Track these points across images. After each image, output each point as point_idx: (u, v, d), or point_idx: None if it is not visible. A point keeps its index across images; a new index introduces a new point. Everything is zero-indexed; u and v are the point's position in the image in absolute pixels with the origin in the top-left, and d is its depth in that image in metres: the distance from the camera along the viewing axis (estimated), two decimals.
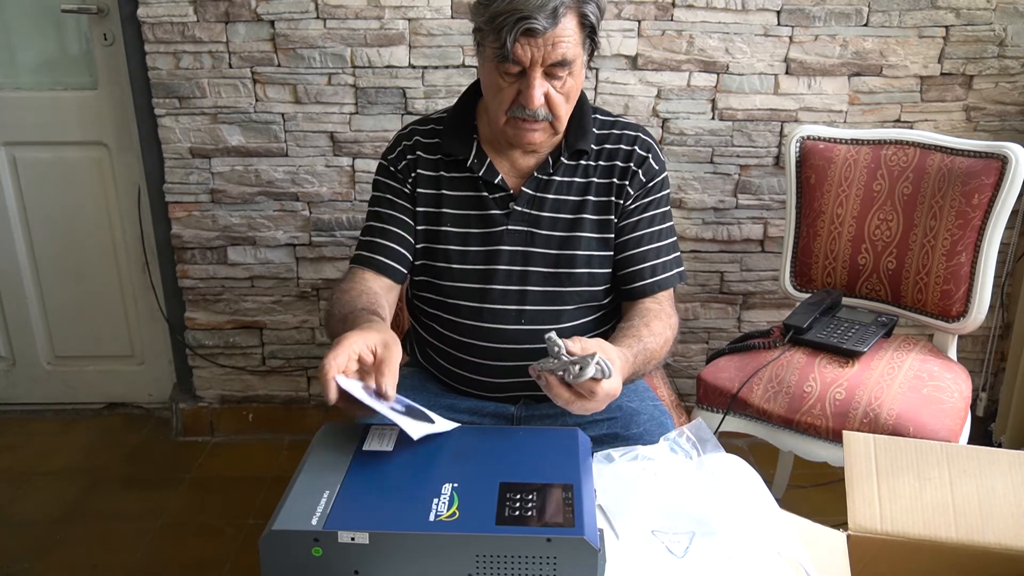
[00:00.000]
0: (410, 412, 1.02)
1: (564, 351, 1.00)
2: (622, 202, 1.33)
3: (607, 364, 1.01)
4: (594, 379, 1.00)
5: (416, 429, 0.96)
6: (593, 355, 1.00)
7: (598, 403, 1.04)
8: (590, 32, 1.21)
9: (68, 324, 2.48)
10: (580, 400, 1.03)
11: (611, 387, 1.03)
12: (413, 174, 1.34)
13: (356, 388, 0.98)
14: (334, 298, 1.31)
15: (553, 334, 1.02)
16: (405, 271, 1.36)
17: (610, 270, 1.35)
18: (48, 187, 2.34)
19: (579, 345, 1.02)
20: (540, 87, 1.19)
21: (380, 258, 1.33)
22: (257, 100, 2.11)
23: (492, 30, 1.16)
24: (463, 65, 2.07)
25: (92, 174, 2.33)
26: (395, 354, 1.02)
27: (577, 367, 0.99)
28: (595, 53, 1.27)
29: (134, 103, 2.16)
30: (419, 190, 1.34)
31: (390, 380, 0.99)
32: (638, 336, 1.24)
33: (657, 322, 1.30)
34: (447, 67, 2.07)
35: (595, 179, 1.33)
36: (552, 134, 1.28)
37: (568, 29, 1.17)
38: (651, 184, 1.35)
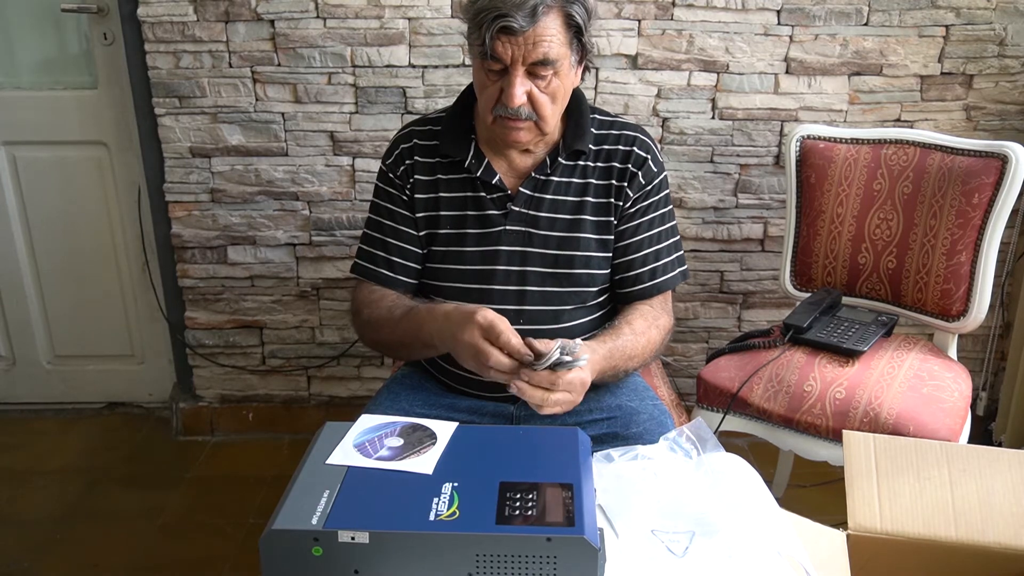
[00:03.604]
0: (409, 440, 1.01)
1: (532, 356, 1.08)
2: (621, 204, 1.33)
3: (572, 346, 1.08)
4: (559, 366, 1.07)
5: (426, 462, 0.96)
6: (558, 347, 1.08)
7: (568, 394, 1.09)
8: (577, 32, 1.21)
9: (68, 324, 2.48)
10: (550, 394, 1.08)
11: (577, 376, 1.09)
12: (411, 180, 1.35)
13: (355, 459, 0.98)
14: (370, 306, 1.34)
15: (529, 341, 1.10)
16: (413, 281, 1.37)
17: (608, 271, 1.36)
18: (48, 187, 2.34)
19: (543, 345, 1.09)
20: (521, 86, 1.19)
21: (386, 272, 1.36)
22: (257, 100, 2.11)
23: (475, 27, 1.17)
24: (463, 65, 2.07)
25: (92, 174, 2.33)
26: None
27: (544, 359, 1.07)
28: (587, 54, 1.26)
29: (134, 103, 2.15)
30: (417, 195, 1.34)
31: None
32: (616, 333, 1.26)
33: (641, 321, 1.31)
34: (447, 66, 2.07)
35: (593, 180, 1.33)
36: (538, 134, 1.27)
37: (550, 28, 1.16)
38: (650, 186, 1.35)
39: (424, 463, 0.94)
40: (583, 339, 1.36)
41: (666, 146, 2.13)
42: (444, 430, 1.01)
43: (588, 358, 1.11)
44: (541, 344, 1.08)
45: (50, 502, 2.13)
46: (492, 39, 1.15)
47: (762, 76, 2.08)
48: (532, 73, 1.20)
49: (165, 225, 2.24)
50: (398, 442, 0.98)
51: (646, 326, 1.31)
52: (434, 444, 0.98)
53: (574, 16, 1.18)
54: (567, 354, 1.07)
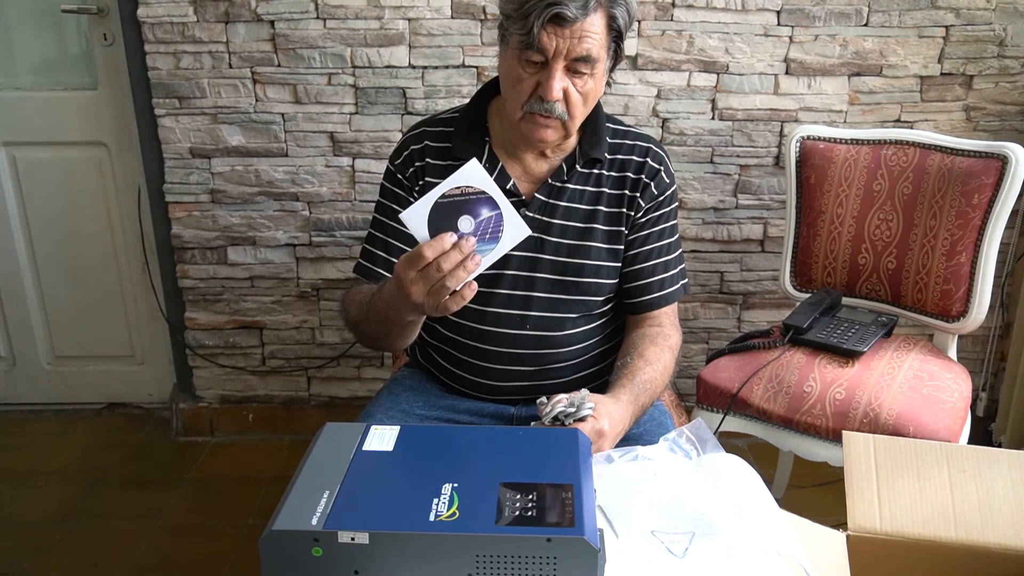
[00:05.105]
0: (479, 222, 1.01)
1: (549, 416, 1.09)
2: (633, 214, 1.32)
3: (578, 397, 1.09)
4: (568, 417, 1.08)
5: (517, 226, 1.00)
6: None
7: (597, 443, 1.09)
8: (616, 37, 1.20)
9: (68, 324, 2.48)
10: None
11: (589, 427, 1.08)
12: (421, 182, 1.33)
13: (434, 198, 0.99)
14: (347, 302, 1.32)
15: (544, 398, 1.11)
16: None
17: (616, 280, 1.35)
18: (48, 187, 2.34)
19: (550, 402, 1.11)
20: (560, 80, 1.18)
21: (385, 273, 1.33)
22: (257, 100, 2.11)
23: (520, 16, 1.14)
24: (463, 65, 2.07)
25: (92, 174, 2.33)
26: None
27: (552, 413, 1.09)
28: (618, 64, 1.25)
29: (134, 103, 2.16)
30: None
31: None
32: (632, 372, 1.25)
33: (652, 348, 1.30)
34: (447, 67, 2.07)
35: (607, 189, 1.32)
36: (564, 135, 1.26)
37: (596, 26, 1.16)
38: (662, 197, 1.34)
39: (516, 227, 1.00)
40: (590, 355, 1.37)
41: (666, 147, 2.12)
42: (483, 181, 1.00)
43: (593, 406, 1.10)
44: (549, 402, 1.10)
45: (50, 502, 2.13)
46: (540, 28, 1.13)
47: (762, 77, 2.08)
48: (571, 70, 1.18)
49: (165, 226, 2.24)
50: (468, 224, 1.00)
51: (658, 351, 1.30)
52: (499, 213, 1.00)
53: (617, 19, 1.18)
54: (572, 406, 1.08)
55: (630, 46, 2.04)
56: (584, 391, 1.12)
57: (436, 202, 0.99)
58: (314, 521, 0.82)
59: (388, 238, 1.34)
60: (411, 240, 1.33)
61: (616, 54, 1.23)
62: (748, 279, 2.26)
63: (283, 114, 2.12)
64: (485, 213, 1.00)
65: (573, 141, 1.32)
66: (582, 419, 1.09)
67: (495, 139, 1.32)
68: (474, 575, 0.80)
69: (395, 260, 1.32)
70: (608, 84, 1.28)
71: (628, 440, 1.26)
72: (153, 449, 2.39)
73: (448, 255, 1.00)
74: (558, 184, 1.31)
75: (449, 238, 1.00)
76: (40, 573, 1.88)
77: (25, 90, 2.27)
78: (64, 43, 2.26)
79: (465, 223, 1.00)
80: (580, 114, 1.23)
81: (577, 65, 1.18)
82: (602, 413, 1.11)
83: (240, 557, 1.92)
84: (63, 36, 2.25)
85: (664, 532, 0.92)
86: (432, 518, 0.82)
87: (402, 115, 2.11)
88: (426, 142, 1.34)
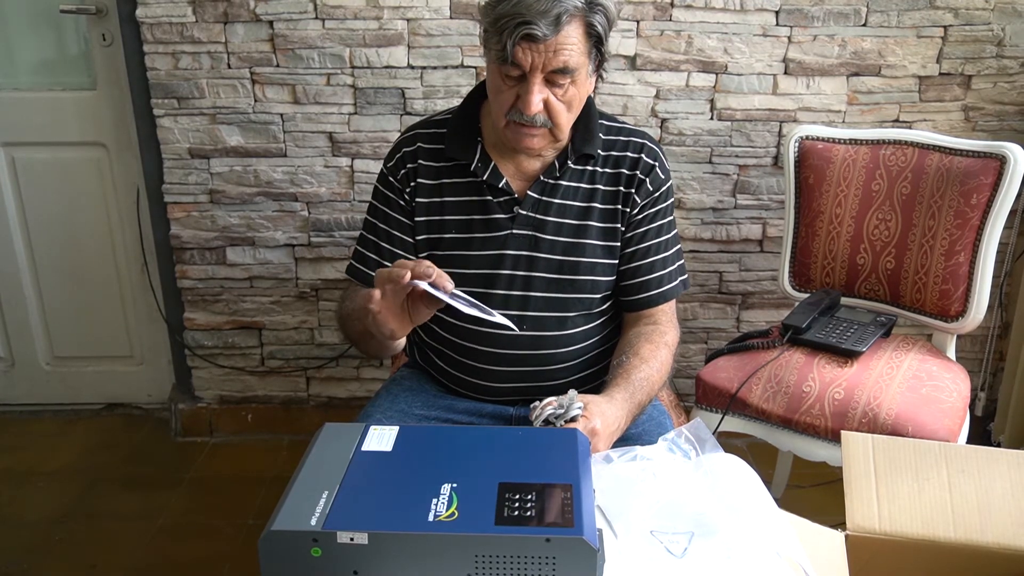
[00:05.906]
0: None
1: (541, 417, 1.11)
2: (628, 210, 1.32)
3: (567, 399, 1.10)
4: (558, 419, 1.10)
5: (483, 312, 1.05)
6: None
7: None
8: (597, 42, 1.20)
9: (67, 324, 2.48)
10: None
11: (582, 427, 1.08)
12: (412, 183, 1.33)
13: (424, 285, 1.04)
14: (342, 303, 1.33)
15: (536, 402, 1.13)
16: None
17: (613, 278, 1.35)
18: (47, 188, 2.34)
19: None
20: (539, 93, 1.18)
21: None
22: (256, 100, 2.11)
23: (495, 32, 1.15)
24: (462, 65, 2.07)
25: (91, 175, 2.33)
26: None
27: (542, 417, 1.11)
28: (603, 62, 1.25)
29: (133, 103, 2.16)
30: (419, 199, 1.33)
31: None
32: (627, 371, 1.25)
33: (647, 346, 1.30)
34: (446, 67, 2.07)
35: (601, 185, 1.32)
36: (552, 140, 1.26)
37: (572, 37, 1.15)
38: (658, 194, 1.34)
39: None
40: (589, 355, 1.37)
41: (665, 147, 2.13)
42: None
43: (583, 406, 1.10)
44: (539, 406, 1.11)
45: (50, 502, 2.13)
46: (513, 46, 1.13)
47: (761, 77, 2.08)
48: (550, 81, 1.18)
49: (164, 226, 2.24)
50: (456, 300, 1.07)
51: (654, 349, 1.30)
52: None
53: (595, 25, 1.17)
54: (561, 407, 1.09)
55: (628, 46, 2.04)
56: (572, 392, 1.12)
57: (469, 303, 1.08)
58: (313, 521, 0.82)
59: (380, 241, 1.35)
60: (402, 244, 1.34)
61: (600, 55, 1.23)
62: (747, 279, 2.27)
63: (282, 114, 2.12)
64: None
65: (565, 138, 1.32)
66: (572, 419, 1.09)
67: (487, 140, 1.33)
68: (473, 575, 0.80)
69: (386, 263, 1.32)
70: (600, 79, 1.28)
71: (627, 440, 1.26)
72: (152, 449, 2.39)
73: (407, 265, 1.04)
74: (551, 181, 1.31)
75: (431, 269, 1.05)
76: (40, 573, 1.88)
77: (24, 90, 2.27)
78: (63, 43, 2.26)
79: (460, 303, 1.07)
80: (565, 121, 1.23)
81: (555, 77, 1.18)
82: (594, 412, 1.11)
83: (239, 557, 1.92)
84: (62, 36, 2.25)
85: (663, 532, 0.92)
86: (431, 518, 0.82)
87: (401, 115, 2.11)
88: (419, 144, 1.34)
